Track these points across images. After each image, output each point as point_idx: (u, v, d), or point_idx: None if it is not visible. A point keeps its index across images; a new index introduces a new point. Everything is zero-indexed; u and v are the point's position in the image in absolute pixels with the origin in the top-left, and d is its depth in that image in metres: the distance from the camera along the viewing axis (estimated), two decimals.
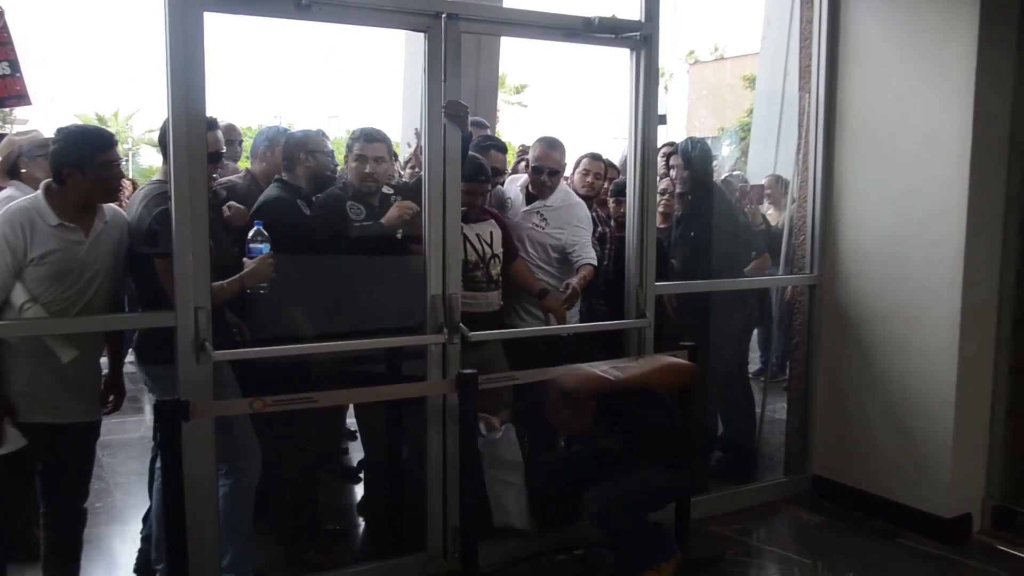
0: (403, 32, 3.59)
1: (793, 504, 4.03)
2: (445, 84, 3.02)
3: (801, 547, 3.62)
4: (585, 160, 3.95)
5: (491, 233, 3.49)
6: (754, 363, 4.97)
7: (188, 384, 2.66)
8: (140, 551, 3.22)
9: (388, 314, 3.22)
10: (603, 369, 3.04)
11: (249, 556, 2.98)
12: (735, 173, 5.26)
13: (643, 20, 3.39)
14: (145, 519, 3.27)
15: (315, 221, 3.22)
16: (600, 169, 3.94)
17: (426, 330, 3.08)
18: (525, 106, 28.42)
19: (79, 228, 2.67)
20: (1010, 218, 3.61)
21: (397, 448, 3.54)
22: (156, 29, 2.59)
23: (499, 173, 3.85)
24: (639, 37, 3.37)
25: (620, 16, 3.34)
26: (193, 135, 2.62)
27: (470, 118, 3.22)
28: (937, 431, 3.57)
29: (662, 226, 3.94)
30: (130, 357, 3.12)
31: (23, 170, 3.25)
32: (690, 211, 4.13)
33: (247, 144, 4.25)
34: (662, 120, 3.45)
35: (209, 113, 2.73)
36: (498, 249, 3.50)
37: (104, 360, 2.98)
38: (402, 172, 3.98)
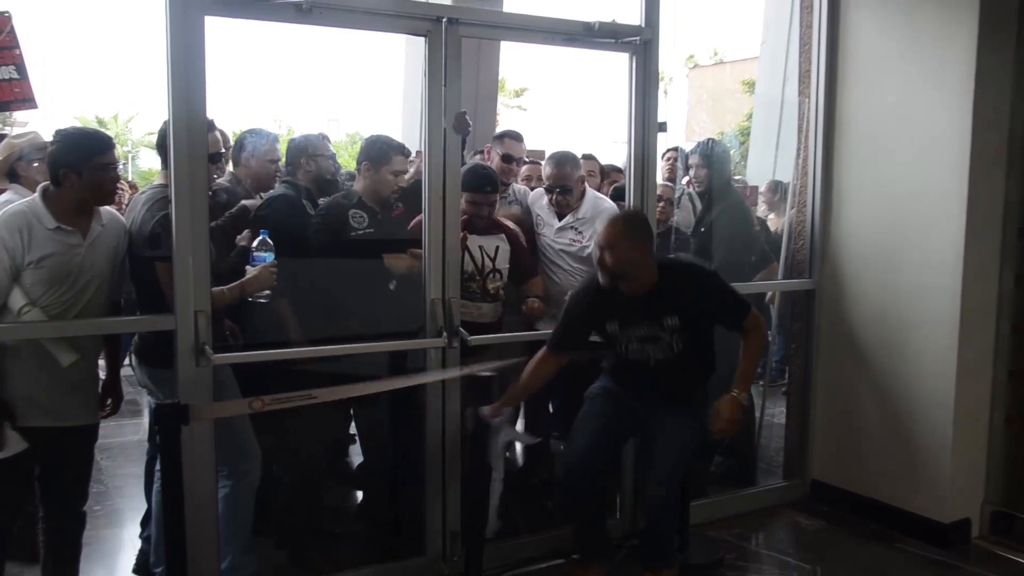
0: (403, 36, 3.59)
1: (792, 509, 4.02)
2: (445, 88, 3.02)
3: (800, 552, 3.62)
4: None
5: (496, 248, 3.47)
6: None
7: (187, 387, 2.66)
8: (139, 553, 3.22)
9: (387, 320, 3.22)
10: None
11: (249, 559, 2.97)
12: (736, 177, 5.26)
13: (643, 25, 3.40)
14: (144, 522, 3.27)
15: (314, 228, 3.24)
16: (594, 168, 3.96)
17: (425, 334, 3.08)
18: (525, 110, 28.42)
19: (77, 231, 2.66)
20: (1009, 222, 3.61)
21: (396, 451, 3.53)
22: (157, 33, 2.60)
23: (512, 160, 3.88)
24: (639, 42, 3.38)
25: (620, 21, 3.35)
26: (194, 139, 2.62)
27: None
28: (936, 436, 3.57)
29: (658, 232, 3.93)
30: (129, 360, 3.12)
31: (22, 173, 3.24)
32: (708, 211, 4.14)
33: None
34: (662, 128, 3.45)
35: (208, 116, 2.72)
36: (501, 265, 3.48)
37: (102, 363, 2.97)
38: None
